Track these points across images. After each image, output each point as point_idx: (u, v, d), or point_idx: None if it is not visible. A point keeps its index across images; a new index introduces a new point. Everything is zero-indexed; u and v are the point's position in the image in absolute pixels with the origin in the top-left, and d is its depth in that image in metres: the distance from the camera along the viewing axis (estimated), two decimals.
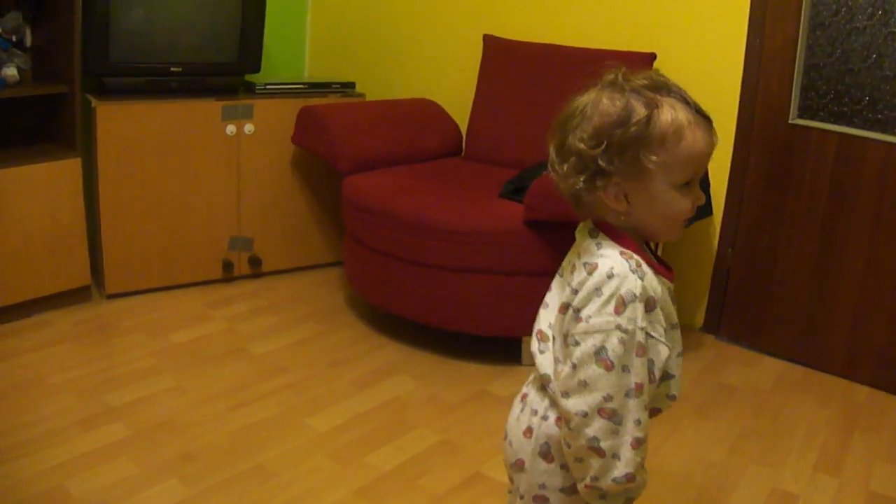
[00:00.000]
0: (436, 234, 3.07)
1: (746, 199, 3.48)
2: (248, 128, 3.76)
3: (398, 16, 4.39)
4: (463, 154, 4.01)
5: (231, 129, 3.71)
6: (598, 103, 1.34)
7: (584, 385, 1.30)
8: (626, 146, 1.30)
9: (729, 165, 3.48)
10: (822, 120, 3.26)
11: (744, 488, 2.54)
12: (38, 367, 2.97)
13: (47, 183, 3.30)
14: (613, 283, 1.31)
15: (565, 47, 3.68)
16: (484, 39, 3.95)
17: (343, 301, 3.80)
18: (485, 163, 3.79)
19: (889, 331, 3.23)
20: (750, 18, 3.35)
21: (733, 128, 3.44)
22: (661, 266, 1.44)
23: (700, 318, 3.70)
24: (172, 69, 3.62)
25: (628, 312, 1.29)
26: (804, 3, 3.21)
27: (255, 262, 3.92)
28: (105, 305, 3.54)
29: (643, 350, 1.31)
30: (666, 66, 3.53)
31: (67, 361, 3.02)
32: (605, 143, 1.30)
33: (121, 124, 3.46)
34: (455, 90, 4.13)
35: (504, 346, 3.29)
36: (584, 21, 3.77)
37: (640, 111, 1.30)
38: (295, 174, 3.99)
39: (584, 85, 1.40)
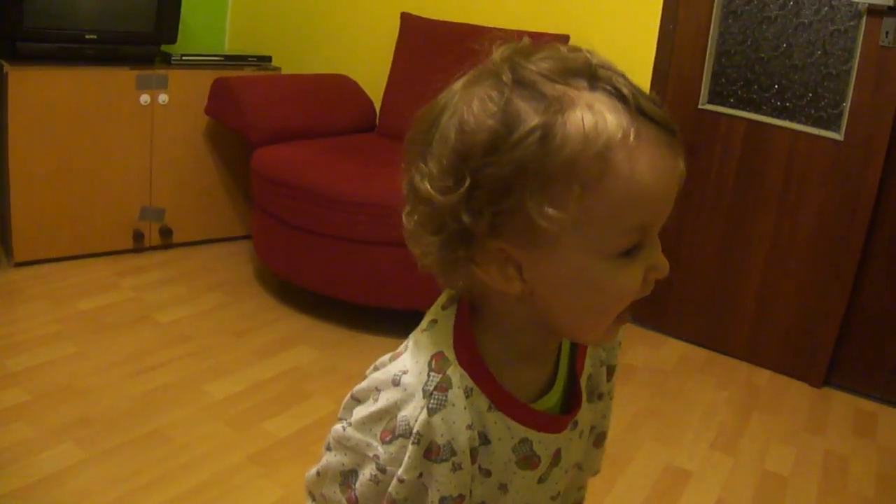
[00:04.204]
0: (340, 205, 3.10)
1: None
2: (163, 98, 3.74)
3: None
4: (376, 130, 4.03)
5: (145, 98, 3.69)
6: (463, 109, 0.81)
7: (323, 499, 0.98)
8: (505, 188, 0.77)
9: None
10: (732, 106, 3.34)
11: (637, 464, 2.61)
12: None
13: None
14: (393, 396, 0.88)
15: (481, 27, 3.71)
16: (401, 17, 3.97)
17: (252, 273, 3.80)
18: (397, 139, 3.77)
19: (791, 315, 3.33)
20: (664, 3, 3.41)
21: None
22: (527, 412, 0.92)
23: None
24: (87, 37, 3.57)
25: (394, 448, 0.86)
26: None
27: (165, 232, 3.90)
28: (12, 273, 3.49)
29: None
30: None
31: None
32: (469, 182, 0.78)
33: (33, 90, 3.42)
34: (371, 67, 4.14)
35: (408, 320, 3.29)
36: (499, 1, 3.80)
37: (530, 120, 0.76)
38: (209, 146, 3.99)
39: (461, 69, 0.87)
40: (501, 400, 0.88)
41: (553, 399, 0.95)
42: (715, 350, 3.52)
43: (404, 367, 0.89)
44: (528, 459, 0.92)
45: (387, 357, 0.94)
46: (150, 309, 3.31)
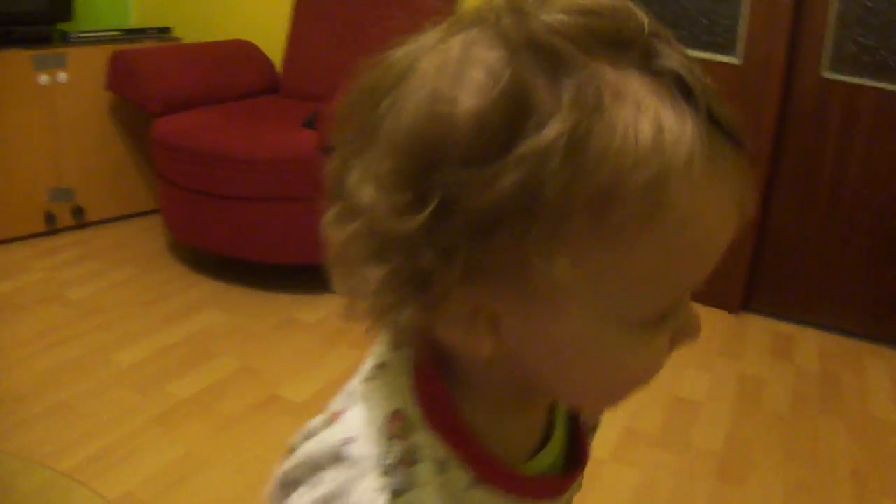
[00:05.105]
0: (232, 164, 3.11)
1: None
2: (62, 77, 3.68)
3: None
4: (279, 92, 4.01)
5: (44, 79, 3.63)
6: (438, 79, 0.51)
7: None
8: (495, 220, 0.49)
9: None
10: None
11: None
12: None
13: None
14: (339, 475, 0.57)
15: None
16: None
17: (164, 245, 3.77)
18: (299, 98, 3.80)
19: None
20: None
21: None
22: (523, 481, 0.64)
23: None
24: None
25: None
26: None
27: (77, 212, 3.85)
28: None
29: None
30: None
31: None
32: (436, 203, 0.49)
33: None
34: (272, 31, 4.10)
35: (311, 274, 3.30)
36: None
37: (548, 117, 0.47)
38: (114, 122, 3.94)
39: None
40: (488, 470, 0.60)
41: (552, 455, 0.68)
42: None
43: (349, 433, 0.59)
44: None
45: (318, 419, 0.62)
46: (62, 287, 3.28)
